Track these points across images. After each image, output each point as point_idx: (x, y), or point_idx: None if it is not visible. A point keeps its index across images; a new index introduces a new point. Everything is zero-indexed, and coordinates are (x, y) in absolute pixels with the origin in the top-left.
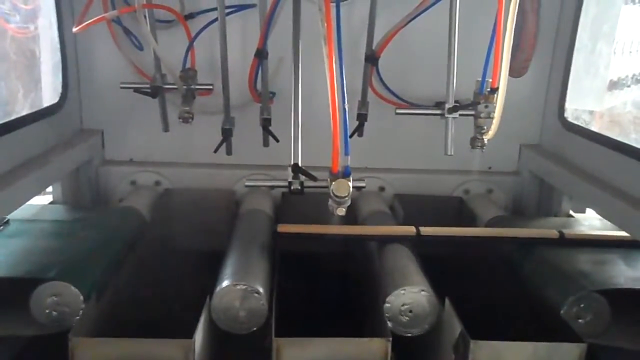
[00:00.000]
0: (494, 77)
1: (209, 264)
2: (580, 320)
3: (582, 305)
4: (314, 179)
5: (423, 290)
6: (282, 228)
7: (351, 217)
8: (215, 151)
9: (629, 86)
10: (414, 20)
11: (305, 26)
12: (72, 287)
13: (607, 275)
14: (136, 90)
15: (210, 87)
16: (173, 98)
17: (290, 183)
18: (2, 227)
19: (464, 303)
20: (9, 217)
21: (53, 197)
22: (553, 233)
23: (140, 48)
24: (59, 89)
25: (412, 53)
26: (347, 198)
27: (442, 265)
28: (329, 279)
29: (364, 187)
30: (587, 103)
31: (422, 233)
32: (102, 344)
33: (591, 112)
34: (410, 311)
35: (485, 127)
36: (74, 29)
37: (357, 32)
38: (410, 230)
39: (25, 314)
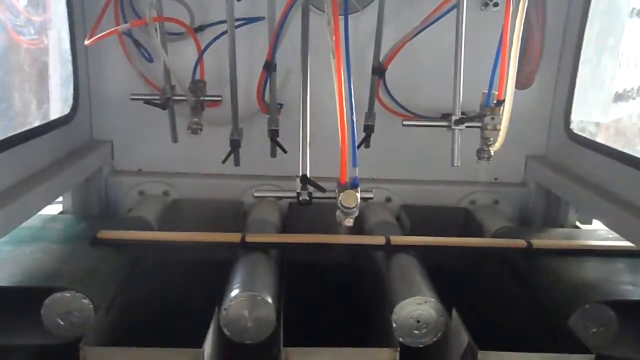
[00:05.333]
0: (500, 89)
1: (218, 274)
2: (587, 331)
3: (589, 316)
4: (322, 190)
5: (430, 301)
6: (103, 234)
7: (357, 227)
8: (224, 162)
9: (634, 98)
10: (421, 32)
11: (314, 38)
12: (83, 297)
13: (614, 286)
14: (146, 101)
15: (219, 98)
16: (182, 109)
17: (298, 194)
18: None
19: (471, 313)
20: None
21: (63, 207)
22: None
23: (151, 60)
24: (69, 101)
25: (419, 65)
26: (355, 209)
27: (448, 275)
28: (336, 288)
29: (371, 198)
30: (592, 115)
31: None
32: (113, 353)
33: (597, 124)
34: (418, 321)
35: (491, 139)
36: (86, 42)
37: (365, 44)
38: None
39: (36, 323)
